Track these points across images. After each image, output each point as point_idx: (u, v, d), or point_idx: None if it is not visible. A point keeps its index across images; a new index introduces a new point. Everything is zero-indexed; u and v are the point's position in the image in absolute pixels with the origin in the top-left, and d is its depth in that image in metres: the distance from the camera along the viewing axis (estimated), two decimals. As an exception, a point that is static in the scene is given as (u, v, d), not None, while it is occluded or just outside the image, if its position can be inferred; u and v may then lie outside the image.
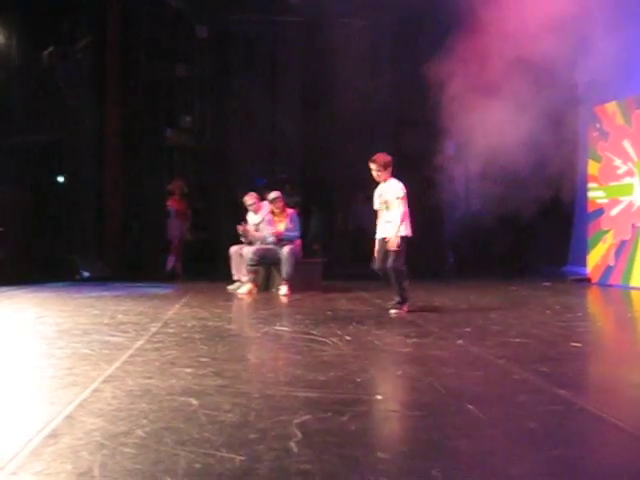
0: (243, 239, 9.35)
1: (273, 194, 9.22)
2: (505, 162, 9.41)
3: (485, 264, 12.54)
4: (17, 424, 2.68)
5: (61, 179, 12.34)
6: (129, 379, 3.42)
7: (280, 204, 9.16)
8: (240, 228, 9.27)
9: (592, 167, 10.62)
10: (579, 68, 9.92)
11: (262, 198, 9.49)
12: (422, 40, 10.46)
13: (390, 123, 13.09)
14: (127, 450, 2.30)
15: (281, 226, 9.10)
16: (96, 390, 3.17)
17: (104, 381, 3.37)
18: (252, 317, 6.70)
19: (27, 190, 10.66)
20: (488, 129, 9.43)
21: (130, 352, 4.20)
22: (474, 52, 8.78)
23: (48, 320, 5.85)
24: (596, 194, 10.48)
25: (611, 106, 10.11)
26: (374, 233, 6.66)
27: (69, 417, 2.70)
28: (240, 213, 9.74)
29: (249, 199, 9.45)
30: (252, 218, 9.42)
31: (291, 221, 9.13)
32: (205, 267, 12.33)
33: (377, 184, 6.67)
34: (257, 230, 9.23)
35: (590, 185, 10.68)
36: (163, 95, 12.58)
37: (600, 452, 2.43)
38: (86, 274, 11.05)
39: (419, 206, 12.22)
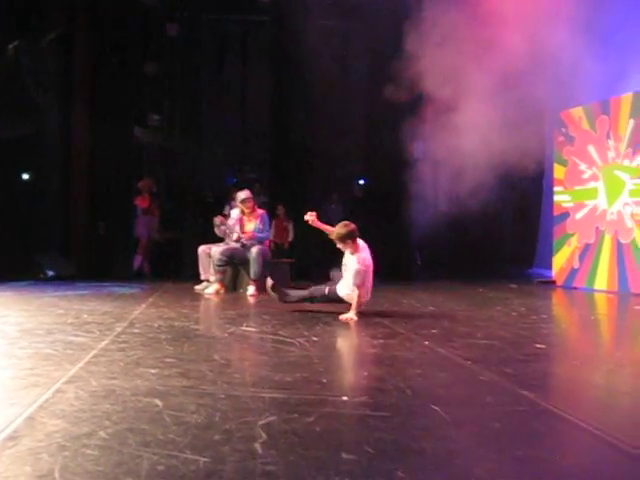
0: (217, 230, 9.25)
1: (243, 194, 9.16)
2: (472, 165, 9.49)
3: (452, 266, 12.64)
4: (-24, 426, 2.62)
5: (26, 176, 12.14)
6: (93, 380, 3.37)
7: (250, 204, 9.10)
8: (217, 219, 9.19)
9: (558, 171, 10.77)
10: (546, 72, 10.06)
11: (232, 197, 9.45)
12: (393, 41, 10.49)
13: (362, 123, 13.13)
14: (89, 452, 2.26)
15: (251, 226, 9.05)
16: (58, 391, 3.12)
17: (67, 382, 3.32)
18: (219, 317, 6.65)
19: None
20: (456, 131, 9.51)
21: (94, 352, 4.15)
22: (444, 55, 8.85)
23: (10, 319, 5.74)
24: (562, 198, 10.62)
25: (577, 111, 10.27)
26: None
27: (30, 418, 2.65)
28: (209, 212, 9.70)
29: (242, 194, 9.21)
30: (235, 213, 9.34)
31: (261, 221, 9.09)
32: (172, 267, 12.24)
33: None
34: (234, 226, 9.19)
35: (556, 189, 10.83)
36: (132, 93, 12.46)
37: (563, 452, 2.46)
38: (51, 273, 10.88)
39: (388, 208, 12.41)
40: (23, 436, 2.42)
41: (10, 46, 10.76)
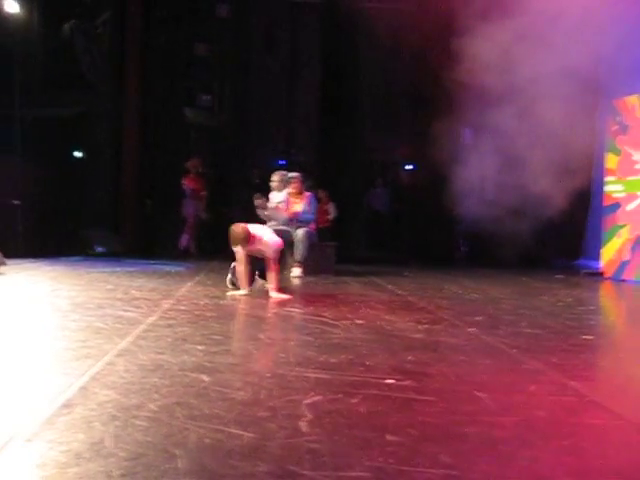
0: (259, 211, 9.30)
1: (291, 175, 9.20)
2: (521, 153, 9.35)
3: (497, 254, 12.49)
4: (31, 394, 2.71)
5: (79, 154, 12.39)
6: (141, 354, 3.45)
7: (297, 185, 9.13)
8: (257, 199, 9.21)
9: (610, 160, 10.52)
10: (601, 59, 9.82)
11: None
12: (443, 24, 10.35)
13: (410, 108, 13.02)
14: (139, 423, 2.32)
15: (298, 207, 9.08)
16: (109, 363, 3.21)
17: (117, 355, 3.40)
18: (264, 298, 6.72)
19: (45, 164, 10.71)
20: (505, 118, 9.37)
21: (143, 327, 4.24)
22: (495, 39, 8.70)
23: (62, 293, 5.90)
24: (613, 188, 10.38)
25: (632, 99, 9.99)
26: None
27: (82, 388, 2.73)
28: (255, 193, 9.76)
29: (276, 177, 9.35)
30: (275, 197, 9.38)
31: (308, 203, 9.11)
32: (219, 246, 12.36)
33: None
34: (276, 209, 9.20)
35: (607, 179, 10.58)
36: (182, 73, 12.58)
37: (608, 445, 2.43)
38: (99, 249, 11.11)
39: (434, 194, 12.30)
40: (76, 405, 2.50)
41: (66, 25, 10.95)
